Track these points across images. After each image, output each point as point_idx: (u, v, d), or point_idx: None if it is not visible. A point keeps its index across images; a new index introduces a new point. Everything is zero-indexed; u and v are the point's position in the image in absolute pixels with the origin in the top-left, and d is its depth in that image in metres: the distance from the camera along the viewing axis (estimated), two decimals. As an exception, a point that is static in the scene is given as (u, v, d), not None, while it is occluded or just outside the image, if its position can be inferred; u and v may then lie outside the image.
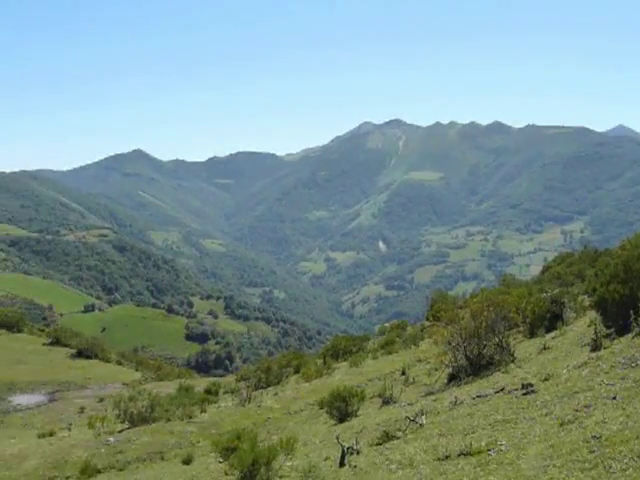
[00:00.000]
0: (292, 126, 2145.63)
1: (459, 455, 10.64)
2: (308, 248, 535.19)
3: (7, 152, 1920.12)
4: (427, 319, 48.74)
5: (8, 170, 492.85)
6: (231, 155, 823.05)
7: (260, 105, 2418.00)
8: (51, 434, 30.42)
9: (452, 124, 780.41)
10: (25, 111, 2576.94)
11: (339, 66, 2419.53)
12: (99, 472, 22.74)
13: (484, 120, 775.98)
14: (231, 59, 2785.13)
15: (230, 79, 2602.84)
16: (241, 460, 13.30)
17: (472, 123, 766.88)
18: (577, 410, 10.88)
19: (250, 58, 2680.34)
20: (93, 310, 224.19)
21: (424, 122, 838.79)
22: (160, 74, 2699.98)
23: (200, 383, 45.63)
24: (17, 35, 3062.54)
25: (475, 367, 19.92)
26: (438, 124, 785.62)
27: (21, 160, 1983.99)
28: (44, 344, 70.35)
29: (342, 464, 12.77)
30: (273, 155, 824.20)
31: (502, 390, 15.14)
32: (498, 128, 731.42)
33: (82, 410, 44.58)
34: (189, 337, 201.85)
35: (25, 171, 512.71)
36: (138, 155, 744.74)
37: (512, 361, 19.41)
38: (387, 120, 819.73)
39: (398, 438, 13.91)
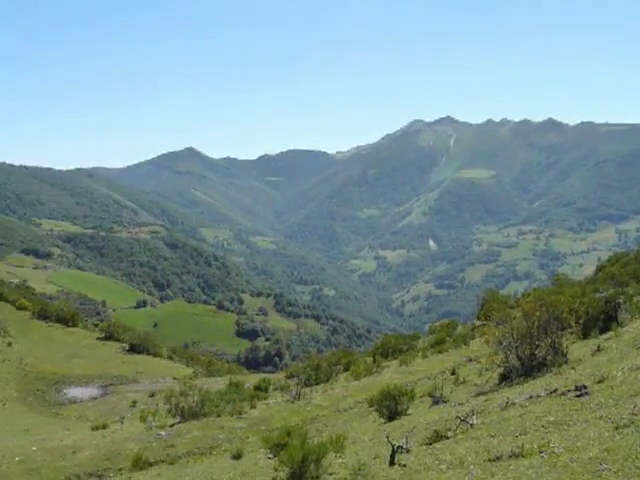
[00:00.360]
0: (343, 124, 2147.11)
1: (510, 456, 10.51)
2: (358, 246, 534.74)
3: (63, 150, 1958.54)
4: (478, 318, 48.30)
5: (64, 168, 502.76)
6: (282, 153, 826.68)
7: (311, 103, 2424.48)
8: (104, 427, 30.90)
9: (504, 122, 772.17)
10: (80, 110, 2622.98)
11: (391, 65, 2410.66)
12: (150, 465, 23.02)
13: (537, 117, 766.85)
14: (282, 58, 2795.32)
15: (281, 78, 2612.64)
16: (291, 457, 13.33)
17: (525, 120, 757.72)
18: (634, 414, 10.66)
19: (302, 57, 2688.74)
20: (145, 306, 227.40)
21: (476, 120, 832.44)
22: (213, 73, 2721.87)
23: (250, 379, 45.93)
24: (74, 34, 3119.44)
25: (527, 368, 19.66)
26: (490, 122, 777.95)
27: (77, 158, 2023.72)
28: (98, 339, 71.55)
29: (392, 463, 12.71)
30: (324, 153, 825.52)
31: (555, 391, 14.91)
32: (551, 125, 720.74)
33: (134, 404, 45.28)
34: (239, 333, 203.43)
35: (80, 169, 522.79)
36: (190, 153, 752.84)
37: (565, 362, 19.11)
38: (438, 118, 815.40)
39: (448, 438, 13.81)
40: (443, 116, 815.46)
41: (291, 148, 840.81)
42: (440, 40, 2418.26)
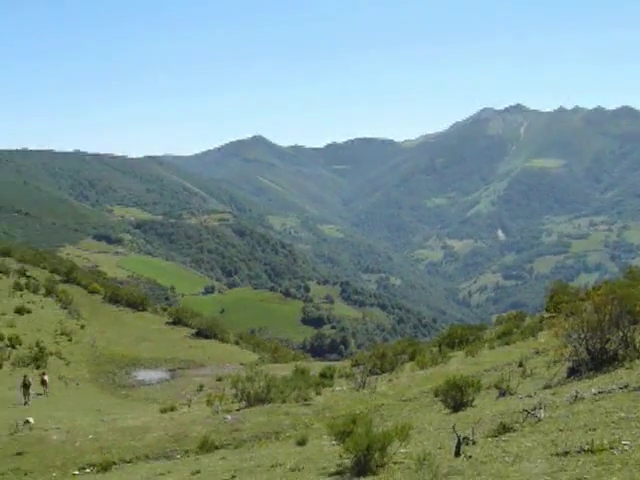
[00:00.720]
0: (410, 112, 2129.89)
1: (579, 452, 10.33)
2: (425, 235, 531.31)
3: (134, 138, 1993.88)
4: (547, 310, 47.51)
5: (135, 155, 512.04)
6: (349, 141, 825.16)
7: (378, 92, 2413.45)
8: (172, 409, 31.46)
9: (576, 109, 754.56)
10: (150, 99, 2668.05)
11: (460, 55, 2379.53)
12: (216, 448, 23.35)
13: (610, 105, 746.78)
14: (350, 48, 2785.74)
15: (349, 67, 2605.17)
16: (356, 444, 13.36)
17: (598, 108, 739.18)
18: None
19: (369, 47, 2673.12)
20: (213, 292, 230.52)
21: (547, 108, 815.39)
22: (280, 62, 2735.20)
23: (315, 367, 46.13)
24: (147, 22, 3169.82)
25: (597, 362, 19.27)
26: (561, 110, 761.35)
27: (147, 146, 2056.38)
28: (166, 323, 72.88)
29: (457, 454, 12.63)
30: (391, 141, 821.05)
31: (626, 387, 14.59)
32: (626, 113, 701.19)
33: (201, 388, 46.00)
34: (305, 321, 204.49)
35: (151, 156, 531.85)
36: (258, 141, 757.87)
37: (637, 357, 18.67)
38: (508, 106, 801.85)
39: (515, 431, 13.64)
40: (513, 104, 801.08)
41: (359, 136, 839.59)
42: (511, 30, 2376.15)
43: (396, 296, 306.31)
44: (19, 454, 23.76)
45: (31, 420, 28.15)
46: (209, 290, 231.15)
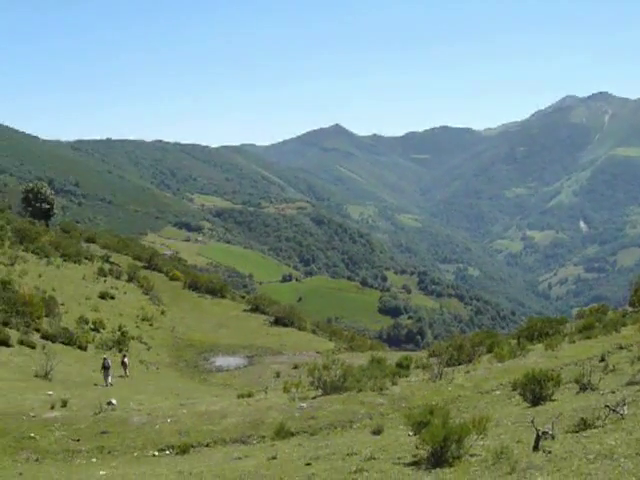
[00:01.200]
0: (491, 101, 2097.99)
1: (665, 451, 10.02)
2: (505, 226, 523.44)
3: (214, 127, 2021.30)
4: (631, 304, 46.20)
5: (215, 145, 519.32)
6: (428, 130, 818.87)
7: (458, 80, 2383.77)
8: (249, 395, 31.82)
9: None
10: (229, 87, 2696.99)
11: (543, 43, 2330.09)
12: (292, 435, 23.55)
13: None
14: (431, 40, 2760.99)
15: (427, 59, 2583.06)
16: (433, 435, 13.28)
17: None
18: None
19: (452, 40, 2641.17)
20: (290, 280, 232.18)
21: (634, 95, 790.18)
22: (358, 51, 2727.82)
23: (391, 356, 45.97)
24: (225, 13, 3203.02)
25: (684, 358, 18.67)
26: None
27: (226, 135, 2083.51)
28: (244, 310, 73.68)
29: (536, 448, 12.41)
30: (470, 130, 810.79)
31: None
32: None
33: (277, 375, 46.41)
34: (382, 310, 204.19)
35: (230, 146, 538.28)
36: (337, 130, 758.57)
37: None
38: (592, 93, 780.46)
39: (597, 427, 13.33)
40: (597, 92, 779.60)
41: (437, 125, 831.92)
42: (595, 21, 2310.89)
43: (474, 287, 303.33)
44: (103, 433, 24.50)
45: (114, 401, 28.93)
46: (287, 278, 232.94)
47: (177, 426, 25.00)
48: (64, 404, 27.68)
